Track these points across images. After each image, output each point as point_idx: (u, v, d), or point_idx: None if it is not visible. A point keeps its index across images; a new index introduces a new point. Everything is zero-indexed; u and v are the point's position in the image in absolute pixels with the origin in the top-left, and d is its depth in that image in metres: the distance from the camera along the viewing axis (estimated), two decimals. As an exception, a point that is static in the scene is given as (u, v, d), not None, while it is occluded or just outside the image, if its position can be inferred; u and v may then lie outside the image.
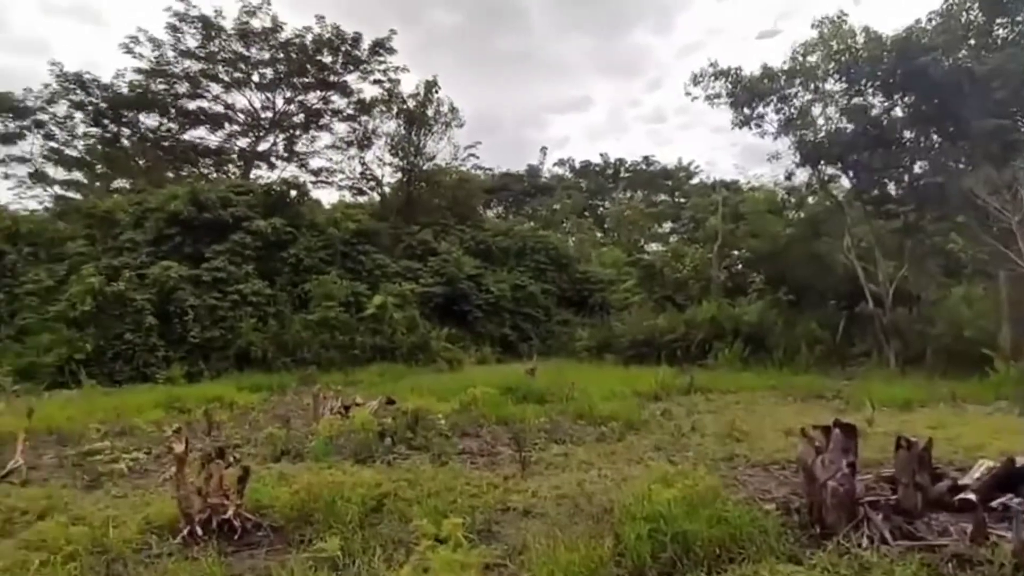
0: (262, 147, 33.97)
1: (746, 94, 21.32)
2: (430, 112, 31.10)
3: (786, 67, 20.87)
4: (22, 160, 30.58)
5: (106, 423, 10.98)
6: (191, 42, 30.39)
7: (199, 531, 5.34)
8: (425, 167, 31.94)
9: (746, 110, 21.59)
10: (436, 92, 30.94)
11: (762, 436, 9.25)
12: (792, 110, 21.20)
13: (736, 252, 27.81)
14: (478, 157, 35.16)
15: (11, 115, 29.54)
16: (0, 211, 25.46)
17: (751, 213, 26.88)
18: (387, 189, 33.54)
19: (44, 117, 30.07)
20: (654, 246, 41.25)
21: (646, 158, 52.22)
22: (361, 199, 34.51)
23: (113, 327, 19.10)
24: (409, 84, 33.85)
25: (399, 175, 32.55)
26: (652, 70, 75.57)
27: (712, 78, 21.67)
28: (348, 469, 6.95)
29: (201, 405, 12.61)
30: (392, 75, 31.94)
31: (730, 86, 21.53)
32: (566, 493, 6.35)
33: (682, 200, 46.39)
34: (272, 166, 34.37)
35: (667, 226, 44.73)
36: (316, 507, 5.46)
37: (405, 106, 31.12)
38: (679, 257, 29.15)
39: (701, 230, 32.11)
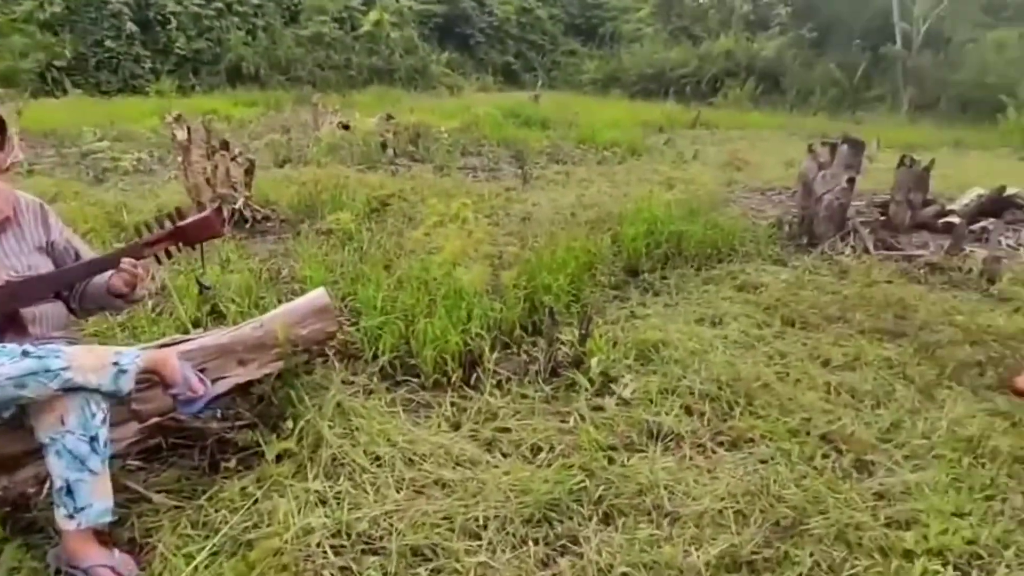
0: None
1: None
2: None
3: None
4: None
5: (101, 128, 10.82)
6: None
7: (212, 218, 5.54)
8: None
9: None
10: None
11: (762, 166, 9.31)
12: None
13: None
14: None
15: None
16: None
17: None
18: None
19: None
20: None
21: None
22: None
23: (91, 32, 17.94)
24: None
25: None
26: None
27: None
28: (352, 174, 7.04)
29: (196, 116, 12.36)
30: None
31: None
32: (566, 204, 6.51)
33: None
34: None
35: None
36: (323, 200, 5.61)
37: None
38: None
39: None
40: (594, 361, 2.99)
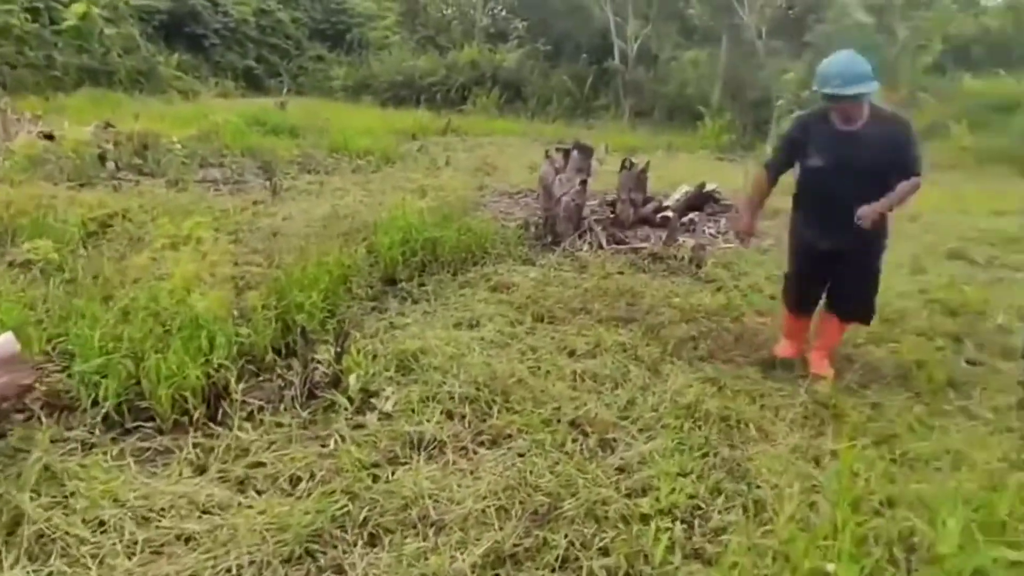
0: None
1: None
2: None
3: None
4: None
5: None
6: None
7: None
8: None
9: None
10: None
11: (509, 171, 9.87)
12: None
13: (501, -5, 26.90)
14: None
15: None
16: None
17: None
18: None
19: None
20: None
21: None
22: None
23: None
24: None
25: None
26: None
27: None
28: (61, 192, 6.05)
29: None
30: None
31: None
32: (319, 215, 6.27)
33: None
34: None
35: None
36: (20, 225, 4.73)
37: None
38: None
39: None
40: (352, 378, 2.91)
